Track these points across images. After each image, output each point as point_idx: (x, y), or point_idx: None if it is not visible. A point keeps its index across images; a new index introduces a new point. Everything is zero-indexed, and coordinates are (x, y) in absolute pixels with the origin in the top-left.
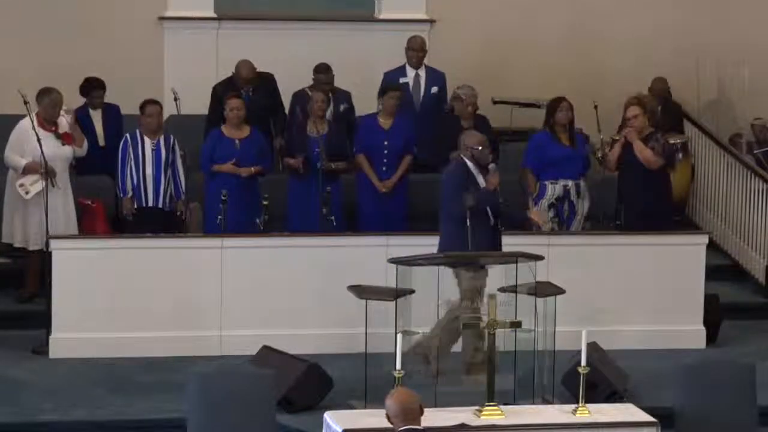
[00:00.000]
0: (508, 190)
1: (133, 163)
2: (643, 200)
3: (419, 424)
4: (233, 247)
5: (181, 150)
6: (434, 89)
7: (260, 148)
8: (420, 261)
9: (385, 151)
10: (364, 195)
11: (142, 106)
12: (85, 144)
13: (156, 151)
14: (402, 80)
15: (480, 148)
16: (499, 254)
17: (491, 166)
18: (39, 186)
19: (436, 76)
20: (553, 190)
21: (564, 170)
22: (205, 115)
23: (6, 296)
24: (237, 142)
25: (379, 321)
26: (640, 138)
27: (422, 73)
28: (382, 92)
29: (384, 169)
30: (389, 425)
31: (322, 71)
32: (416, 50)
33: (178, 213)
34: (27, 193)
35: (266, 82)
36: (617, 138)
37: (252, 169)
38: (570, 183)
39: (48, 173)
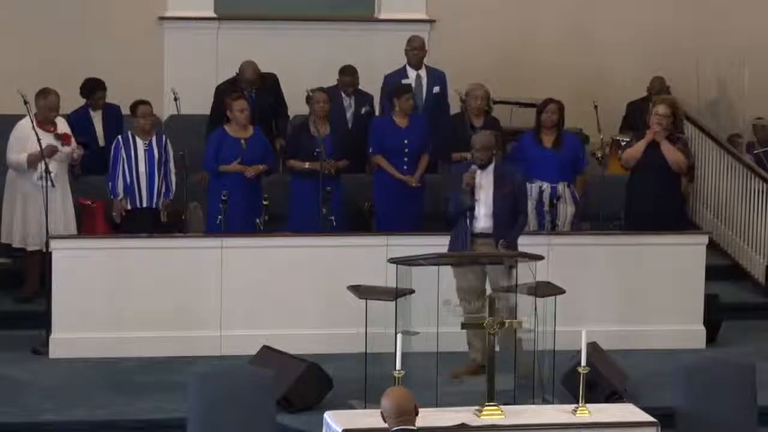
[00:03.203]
0: None
1: (125, 164)
2: (659, 201)
3: (413, 425)
4: (233, 247)
5: (181, 150)
6: (436, 89)
7: (264, 148)
8: (420, 261)
9: (406, 150)
10: (382, 195)
11: (133, 108)
12: (80, 151)
13: (149, 151)
14: (404, 82)
15: (472, 151)
16: (499, 254)
17: (472, 167)
18: (55, 167)
19: (437, 76)
20: (530, 190)
21: (540, 172)
22: (206, 115)
23: (6, 296)
24: (243, 142)
25: (379, 321)
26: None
27: (423, 73)
28: (396, 94)
29: (405, 168)
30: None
31: (348, 73)
32: (417, 49)
33: (165, 212)
34: (52, 184)
35: (269, 83)
36: (618, 138)
37: (260, 167)
38: (545, 185)
39: (45, 156)
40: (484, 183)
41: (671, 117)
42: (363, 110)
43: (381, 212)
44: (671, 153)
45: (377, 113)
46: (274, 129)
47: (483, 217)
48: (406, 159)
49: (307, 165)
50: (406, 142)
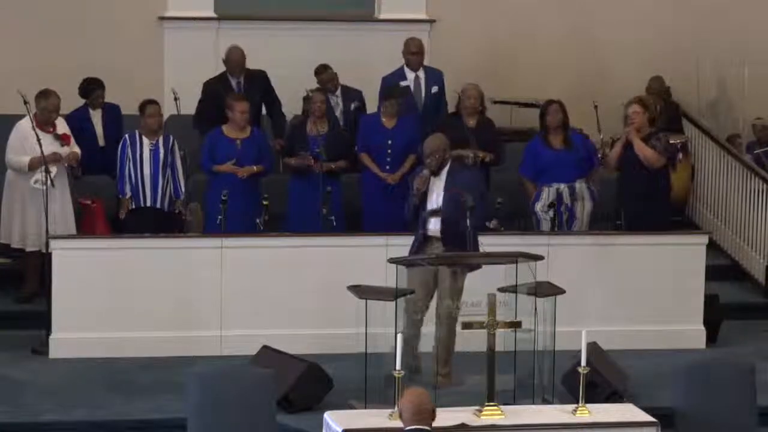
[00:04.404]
0: (508, 190)
1: (131, 163)
2: (642, 200)
3: (430, 426)
4: (233, 247)
5: (181, 150)
6: (434, 89)
7: (261, 148)
8: (420, 261)
9: (389, 150)
10: (369, 194)
11: (142, 107)
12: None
13: (154, 151)
14: (402, 84)
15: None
16: (499, 254)
17: (423, 171)
18: (54, 169)
19: (435, 76)
20: (548, 193)
21: (555, 174)
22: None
23: (6, 296)
24: (238, 142)
25: (379, 321)
26: (640, 137)
27: (421, 74)
28: (383, 96)
29: (387, 168)
30: (390, 425)
31: (321, 71)
32: (415, 53)
33: (177, 212)
34: (52, 184)
35: (258, 80)
36: (618, 138)
37: (254, 168)
38: (562, 186)
39: (48, 164)
40: (437, 187)
41: (642, 113)
42: (352, 106)
43: (368, 212)
44: (641, 149)
45: (368, 110)
46: (263, 127)
47: (433, 221)
48: (389, 159)
49: (293, 161)
50: (389, 142)
